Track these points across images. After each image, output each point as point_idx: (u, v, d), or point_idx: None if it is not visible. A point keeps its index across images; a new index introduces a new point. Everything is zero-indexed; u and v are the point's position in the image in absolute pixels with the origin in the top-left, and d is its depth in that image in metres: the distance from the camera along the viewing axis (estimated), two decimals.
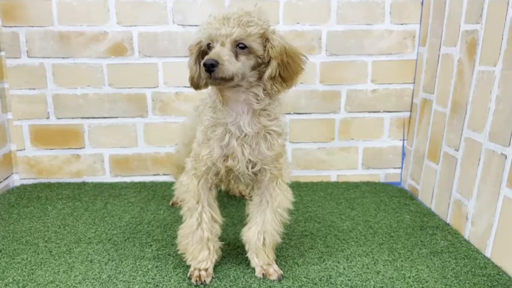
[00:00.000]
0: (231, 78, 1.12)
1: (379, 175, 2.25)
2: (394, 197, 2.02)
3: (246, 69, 1.15)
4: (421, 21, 2.08)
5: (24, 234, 1.58)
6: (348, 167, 2.23)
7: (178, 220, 1.69)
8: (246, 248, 1.35)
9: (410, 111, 2.18)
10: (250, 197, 1.37)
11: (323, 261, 1.42)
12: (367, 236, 1.61)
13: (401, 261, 1.43)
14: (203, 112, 1.31)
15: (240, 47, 1.13)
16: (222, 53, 1.10)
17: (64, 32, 1.99)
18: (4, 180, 2.03)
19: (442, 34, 1.88)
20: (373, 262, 1.42)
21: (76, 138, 2.11)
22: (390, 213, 1.83)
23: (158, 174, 2.18)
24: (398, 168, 2.24)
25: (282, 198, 1.30)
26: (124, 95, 2.08)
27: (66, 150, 2.12)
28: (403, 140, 2.21)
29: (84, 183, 2.13)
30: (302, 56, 1.20)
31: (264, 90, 1.18)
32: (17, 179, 2.13)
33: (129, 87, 2.07)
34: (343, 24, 2.07)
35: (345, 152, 2.21)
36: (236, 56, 1.13)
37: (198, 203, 1.26)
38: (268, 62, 1.16)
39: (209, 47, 1.15)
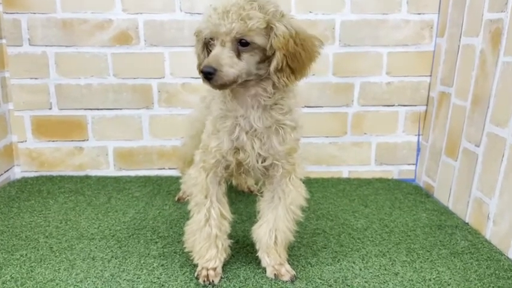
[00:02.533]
0: (234, 81, 1.05)
1: (393, 171, 2.16)
2: (409, 194, 1.94)
3: (251, 67, 1.07)
4: (439, 10, 1.99)
5: (24, 229, 1.52)
6: (361, 163, 2.14)
7: (185, 216, 1.63)
8: (257, 246, 1.28)
9: (427, 105, 2.09)
10: (261, 193, 1.29)
11: (338, 261, 1.34)
12: (382, 235, 1.53)
13: (421, 262, 1.35)
14: (213, 102, 1.23)
15: (242, 44, 1.04)
16: (222, 55, 1.02)
17: (67, 19, 1.92)
18: (5, 172, 1.96)
19: (463, 24, 1.79)
20: (390, 263, 1.34)
21: (79, 130, 2.04)
22: (406, 211, 1.75)
23: (164, 168, 2.11)
24: (413, 164, 2.15)
25: (295, 195, 1.23)
26: (129, 85, 2.00)
27: (69, 143, 2.05)
28: (418, 135, 2.12)
29: (87, 177, 2.06)
30: (316, 41, 1.10)
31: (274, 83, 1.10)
32: (18, 172, 2.06)
33: (135, 78, 1.99)
34: (358, 14, 1.98)
35: (358, 147, 2.12)
36: (238, 55, 1.04)
37: (206, 197, 1.19)
38: (274, 53, 1.06)
39: (211, 42, 1.08)
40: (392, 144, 2.13)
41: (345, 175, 2.15)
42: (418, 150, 2.13)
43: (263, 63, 1.08)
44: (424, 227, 1.61)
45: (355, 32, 2.00)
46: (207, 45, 1.12)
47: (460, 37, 1.80)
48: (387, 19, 1.99)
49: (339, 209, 1.76)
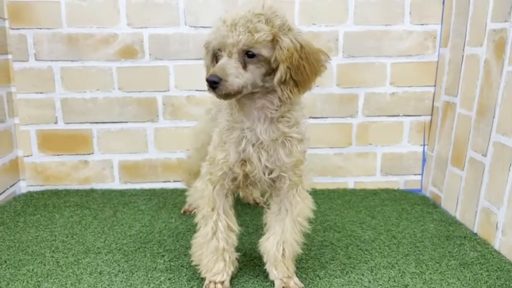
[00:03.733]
0: (238, 92, 1.05)
1: (399, 182, 2.15)
2: (416, 205, 1.93)
3: (256, 79, 1.07)
4: (442, 21, 2.00)
5: (30, 244, 1.51)
6: (366, 174, 2.14)
7: (191, 229, 1.62)
8: (264, 259, 1.26)
9: (431, 115, 2.08)
10: (268, 205, 1.29)
11: (346, 273, 1.33)
12: (391, 247, 1.52)
13: (430, 273, 1.34)
14: (219, 114, 1.23)
15: (249, 56, 1.05)
16: (228, 66, 1.04)
17: (73, 34, 1.94)
18: (10, 187, 1.97)
19: (466, 34, 1.79)
20: (399, 275, 1.32)
21: (84, 143, 2.04)
22: (413, 222, 1.74)
23: (169, 181, 2.11)
24: (419, 174, 2.15)
25: (303, 207, 1.22)
26: (134, 99, 2.01)
27: (75, 156, 2.05)
28: (424, 145, 2.12)
29: (92, 190, 2.05)
30: (321, 55, 1.10)
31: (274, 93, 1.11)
32: (23, 186, 2.07)
33: (140, 91, 2.00)
34: (361, 25, 1.99)
35: (363, 158, 2.12)
36: (244, 66, 1.05)
37: (213, 210, 1.19)
38: (278, 65, 1.07)
39: (219, 53, 1.09)
40: (398, 155, 2.12)
41: (351, 186, 2.15)
42: (424, 160, 2.13)
43: (269, 76, 1.09)
44: (432, 238, 1.59)
45: (358, 43, 2.00)
46: (216, 57, 1.13)
47: (464, 47, 1.80)
48: (390, 30, 2.00)
49: (345, 221, 1.74)
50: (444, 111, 1.96)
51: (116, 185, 2.09)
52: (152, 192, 2.04)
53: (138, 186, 2.10)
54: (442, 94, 1.98)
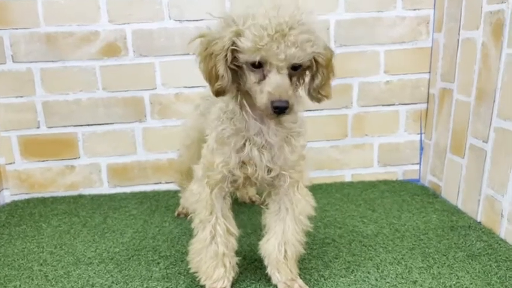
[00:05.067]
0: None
1: (397, 172, 2.10)
2: (416, 195, 1.88)
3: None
4: (435, 5, 1.94)
5: (16, 257, 1.42)
6: (363, 165, 2.08)
7: (186, 233, 1.55)
8: (265, 262, 1.20)
9: (427, 102, 2.03)
10: (266, 204, 1.22)
11: (351, 272, 1.27)
12: (394, 241, 1.47)
13: (438, 267, 1.28)
14: (212, 114, 1.15)
15: (294, 68, 0.99)
16: (286, 85, 0.96)
17: (52, 33, 1.84)
18: None
19: (461, 18, 1.74)
20: (407, 270, 1.27)
21: (70, 147, 1.95)
22: (415, 214, 1.69)
23: (160, 183, 2.03)
24: (417, 164, 2.10)
25: (304, 204, 1.16)
26: (120, 98, 1.92)
27: (60, 162, 1.96)
28: (421, 133, 2.07)
29: (80, 196, 1.97)
30: (333, 52, 1.07)
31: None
32: (7, 195, 1.97)
33: (125, 90, 1.92)
34: (352, 12, 1.92)
35: (360, 150, 2.06)
36: (290, 79, 0.99)
37: (211, 214, 1.12)
38: (307, 68, 1.03)
39: (257, 65, 0.98)
40: (395, 145, 2.07)
41: (348, 179, 2.09)
42: (421, 149, 2.08)
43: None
44: (436, 229, 1.54)
45: (350, 31, 1.94)
46: (237, 65, 1.02)
47: (459, 31, 1.75)
48: (382, 17, 1.94)
49: (346, 215, 1.69)
50: (441, 98, 1.91)
51: (105, 189, 2.01)
52: (143, 195, 1.96)
53: (128, 190, 2.01)
54: (438, 81, 1.93)
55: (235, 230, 1.17)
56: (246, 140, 1.07)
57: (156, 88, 1.92)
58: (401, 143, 2.07)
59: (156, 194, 1.97)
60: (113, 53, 1.87)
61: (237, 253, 1.21)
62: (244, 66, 1.00)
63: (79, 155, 1.96)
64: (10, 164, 1.94)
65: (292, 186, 1.14)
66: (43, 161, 1.95)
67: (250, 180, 1.11)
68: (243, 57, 0.98)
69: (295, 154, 1.10)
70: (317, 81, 1.04)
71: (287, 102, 0.94)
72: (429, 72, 2.00)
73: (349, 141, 2.05)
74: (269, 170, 1.09)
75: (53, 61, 1.86)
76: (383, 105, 2.02)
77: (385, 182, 2.06)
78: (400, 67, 1.99)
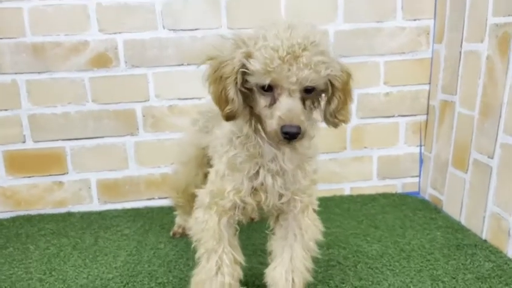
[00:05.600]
0: None
1: (396, 185, 2.06)
2: (418, 210, 1.84)
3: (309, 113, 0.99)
4: (435, 16, 1.90)
5: (3, 285, 1.33)
6: (362, 178, 2.03)
7: (183, 255, 1.48)
8: None
9: (427, 114, 1.99)
10: (271, 230, 1.16)
11: None
12: (401, 262, 1.41)
13: None
14: (227, 142, 1.06)
15: (307, 92, 0.93)
16: (298, 110, 0.90)
17: (38, 43, 1.74)
18: None
19: (464, 29, 1.70)
20: None
21: (58, 163, 1.85)
22: (419, 231, 1.64)
23: (153, 199, 1.95)
24: (416, 176, 2.06)
25: (314, 230, 1.11)
26: (110, 111, 1.84)
27: (47, 177, 1.86)
28: (420, 145, 2.03)
29: (69, 214, 1.87)
30: (351, 74, 1.01)
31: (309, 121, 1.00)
32: None
33: (116, 103, 1.83)
34: (351, 23, 1.87)
35: (358, 162, 2.01)
36: (303, 103, 0.94)
37: (218, 243, 1.05)
38: (322, 91, 0.98)
39: (268, 88, 0.92)
40: (394, 157, 2.03)
41: (347, 192, 2.04)
42: (421, 161, 2.04)
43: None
44: (442, 248, 1.50)
45: (349, 42, 1.89)
46: (247, 88, 0.96)
47: (462, 43, 1.71)
48: (382, 27, 1.89)
49: (348, 233, 1.63)
50: (442, 110, 1.87)
51: (95, 206, 1.92)
52: (136, 212, 1.87)
53: (119, 206, 1.93)
54: (439, 92, 1.89)
55: (241, 259, 1.11)
56: (259, 167, 1.01)
57: (148, 100, 1.84)
58: (401, 156, 2.03)
59: (149, 211, 1.89)
60: (103, 64, 1.79)
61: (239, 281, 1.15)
62: (255, 89, 0.95)
63: (67, 171, 1.87)
64: None
65: (301, 211, 1.08)
66: (29, 177, 1.85)
67: (261, 208, 1.05)
68: (253, 80, 0.92)
69: (307, 179, 1.05)
70: (333, 105, 0.99)
71: (298, 127, 0.89)
72: (429, 83, 1.96)
73: (348, 154, 2.00)
74: (280, 196, 1.03)
75: (39, 72, 1.77)
76: (382, 116, 1.98)
77: (385, 196, 2.01)
78: (400, 78, 1.95)
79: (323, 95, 0.99)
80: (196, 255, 1.10)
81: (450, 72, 1.80)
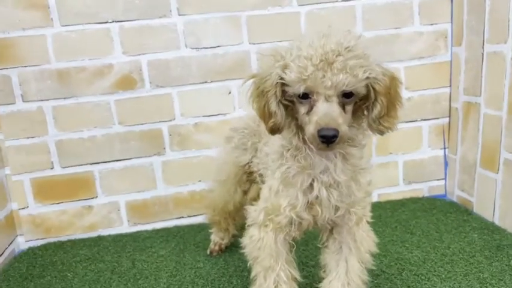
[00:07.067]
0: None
1: (423, 189, 2.06)
2: (449, 213, 1.84)
3: (350, 118, 0.96)
4: (452, 19, 1.92)
5: None
6: (389, 184, 2.03)
7: (225, 273, 1.47)
8: None
9: (449, 116, 2.00)
10: (323, 243, 1.16)
11: None
12: (445, 267, 1.41)
13: None
14: (279, 157, 1.06)
15: (347, 96, 0.92)
16: (335, 113, 0.89)
17: (63, 69, 1.74)
18: (9, 246, 1.75)
19: (484, 31, 1.72)
20: None
21: (86, 187, 1.85)
22: (455, 234, 1.64)
23: (182, 217, 1.94)
24: (442, 179, 2.06)
25: (369, 242, 1.10)
26: (137, 132, 1.83)
27: (76, 203, 1.85)
28: (444, 148, 2.03)
29: (100, 238, 1.86)
30: (398, 81, 0.98)
31: (357, 129, 1.00)
32: (22, 242, 1.85)
33: (142, 124, 1.83)
34: (370, 30, 1.89)
35: (384, 169, 2.02)
36: (343, 108, 0.92)
37: (276, 261, 1.04)
38: (365, 97, 0.96)
39: (304, 96, 0.93)
40: (419, 161, 2.03)
41: (375, 199, 2.04)
42: (446, 164, 2.04)
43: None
44: (482, 250, 1.50)
45: (369, 49, 1.89)
46: (288, 100, 0.97)
47: (483, 45, 1.73)
48: (400, 33, 1.91)
49: (386, 241, 1.63)
50: (465, 112, 1.88)
51: (125, 228, 1.91)
52: (167, 232, 1.86)
53: (149, 227, 1.92)
54: (461, 94, 1.90)
55: (297, 275, 1.10)
56: (312, 179, 1.00)
57: (174, 119, 1.84)
58: (426, 159, 2.04)
59: (180, 230, 1.87)
60: (128, 86, 1.79)
61: None
62: (295, 100, 0.96)
63: (96, 194, 1.86)
64: (23, 208, 1.82)
65: (356, 224, 1.08)
66: (58, 203, 1.84)
67: (316, 222, 1.04)
68: (290, 90, 0.94)
69: (361, 191, 1.04)
70: (375, 110, 0.96)
71: (335, 130, 0.88)
72: (450, 86, 1.97)
73: (374, 161, 2.00)
74: (336, 209, 1.03)
75: (65, 98, 1.77)
76: (406, 121, 1.98)
77: (413, 200, 2.01)
78: (421, 82, 1.96)
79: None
80: (252, 274, 1.10)
81: (473, 74, 1.82)
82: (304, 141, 0.99)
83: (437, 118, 2.01)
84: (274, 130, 1.00)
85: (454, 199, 2.00)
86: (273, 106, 0.96)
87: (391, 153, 2.01)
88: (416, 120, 1.99)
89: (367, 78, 0.91)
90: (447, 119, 2.01)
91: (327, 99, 0.90)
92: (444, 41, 1.94)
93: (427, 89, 1.97)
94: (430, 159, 2.04)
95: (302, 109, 0.95)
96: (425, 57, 1.94)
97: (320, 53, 0.87)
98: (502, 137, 1.65)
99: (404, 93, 1.96)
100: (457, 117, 1.94)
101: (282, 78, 0.94)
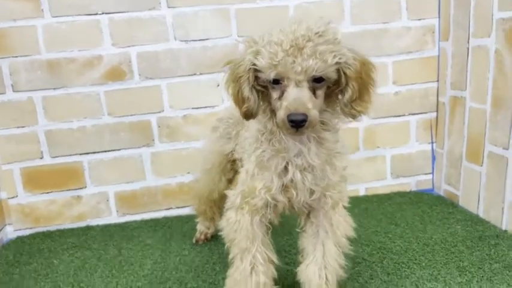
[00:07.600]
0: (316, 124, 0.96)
1: (410, 183, 2.08)
2: (435, 206, 1.86)
3: (322, 103, 0.97)
4: (439, 14, 1.94)
5: None
6: (377, 178, 2.05)
7: (209, 260, 1.49)
8: None
9: (437, 111, 2.02)
10: (301, 228, 1.17)
11: None
12: (426, 256, 1.43)
13: (477, 281, 1.25)
14: (254, 140, 1.08)
15: (317, 81, 0.93)
16: (305, 99, 0.91)
17: (53, 59, 1.77)
18: None
19: (469, 25, 1.74)
20: (447, 287, 1.23)
21: (75, 177, 1.86)
22: (439, 226, 1.66)
23: (171, 208, 1.96)
24: (429, 173, 2.08)
25: (345, 226, 1.12)
26: (126, 123, 1.85)
27: (65, 192, 1.87)
28: (432, 142, 2.05)
29: (88, 228, 1.88)
30: (371, 65, 1.00)
31: (331, 113, 1.01)
32: (10, 231, 1.86)
33: (131, 115, 1.85)
34: (358, 25, 1.91)
35: (372, 162, 2.03)
36: (314, 93, 0.94)
37: (252, 243, 1.06)
38: (337, 82, 0.97)
39: (275, 81, 0.95)
40: (407, 155, 2.05)
41: (362, 192, 2.06)
42: (433, 158, 2.06)
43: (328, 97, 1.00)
44: (464, 241, 1.51)
45: (357, 43, 1.89)
46: (261, 85, 0.99)
47: (469, 39, 1.75)
48: (388, 28, 1.93)
49: (369, 232, 1.64)
50: (452, 106, 1.90)
51: (114, 218, 1.92)
52: (155, 223, 1.88)
53: (138, 218, 1.93)
54: (448, 89, 1.92)
55: (274, 258, 1.11)
56: (287, 162, 1.02)
57: (163, 111, 1.86)
58: (413, 153, 2.05)
59: (168, 221, 1.89)
60: (117, 77, 1.81)
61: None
62: (268, 85, 0.98)
63: (85, 185, 1.88)
64: (12, 198, 1.84)
65: (332, 208, 1.09)
66: (48, 193, 1.86)
67: (292, 205, 1.06)
68: (262, 76, 0.96)
69: (336, 175, 1.06)
70: (347, 95, 0.97)
71: (304, 115, 0.90)
72: (437, 80, 1.99)
73: (361, 155, 2.02)
74: (311, 192, 1.05)
75: (55, 88, 1.79)
76: (393, 116, 2.00)
77: (400, 194, 2.03)
78: (408, 77, 1.98)
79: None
80: (230, 256, 1.11)
81: (459, 69, 1.83)
82: (278, 126, 1.01)
83: (425, 113, 2.02)
84: (247, 115, 1.02)
85: (441, 193, 2.01)
86: (246, 91, 0.98)
87: (378, 147, 2.02)
88: (404, 115, 2.01)
89: (338, 63, 0.93)
90: (435, 114, 2.03)
91: (297, 84, 0.91)
92: (432, 36, 1.96)
93: (415, 84, 1.99)
94: (417, 154, 2.05)
95: (274, 94, 0.97)
96: (413, 52, 1.96)
97: (290, 38, 0.89)
98: (487, 130, 1.67)
99: (392, 88, 1.98)
100: (444, 112, 1.96)
101: (254, 64, 0.96)
